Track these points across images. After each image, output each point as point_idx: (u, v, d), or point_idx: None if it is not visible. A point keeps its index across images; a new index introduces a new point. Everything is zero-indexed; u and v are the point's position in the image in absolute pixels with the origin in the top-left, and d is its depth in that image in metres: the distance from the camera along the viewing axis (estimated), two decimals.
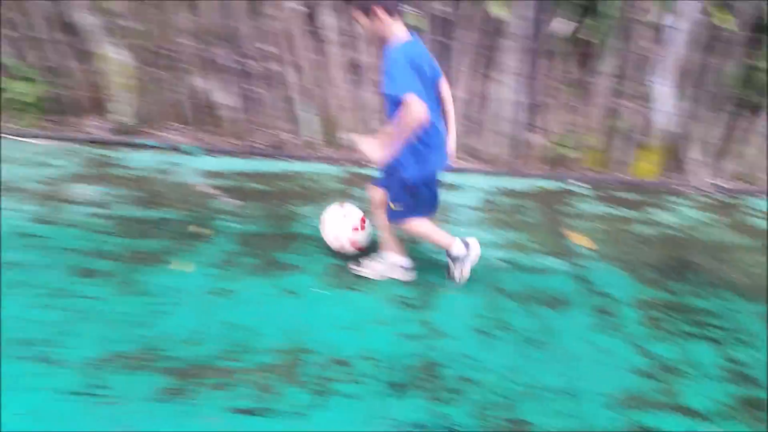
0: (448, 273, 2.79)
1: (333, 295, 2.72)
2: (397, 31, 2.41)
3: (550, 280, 2.93)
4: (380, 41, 2.48)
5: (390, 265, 2.82)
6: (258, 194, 3.50)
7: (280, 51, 3.75)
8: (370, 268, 2.84)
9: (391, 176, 2.59)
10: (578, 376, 2.34)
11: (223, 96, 3.93)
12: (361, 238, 2.87)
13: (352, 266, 2.87)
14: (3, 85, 3.89)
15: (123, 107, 3.91)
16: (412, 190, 2.58)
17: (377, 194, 2.72)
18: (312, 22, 3.72)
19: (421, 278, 2.86)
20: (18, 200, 3.28)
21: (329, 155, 3.96)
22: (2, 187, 3.37)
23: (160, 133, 3.99)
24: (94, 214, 3.20)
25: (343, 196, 3.53)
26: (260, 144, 3.99)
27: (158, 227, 3.11)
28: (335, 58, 3.78)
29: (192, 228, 3.10)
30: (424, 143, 2.50)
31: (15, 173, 3.53)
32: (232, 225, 3.18)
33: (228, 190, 3.50)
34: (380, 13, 2.36)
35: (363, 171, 3.86)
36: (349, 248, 2.87)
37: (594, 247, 3.24)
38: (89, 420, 2.07)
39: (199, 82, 3.90)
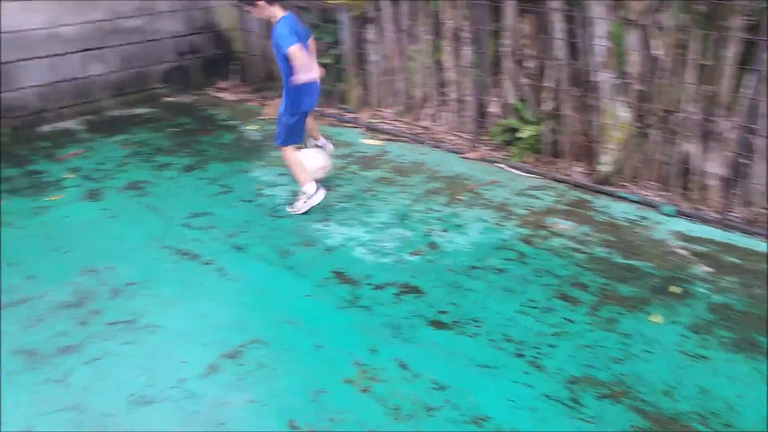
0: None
1: None
2: (277, 12, 3.57)
3: None
4: (267, 22, 3.76)
5: (308, 197, 3.86)
6: (733, 268, 3.34)
7: None
8: (301, 205, 3.89)
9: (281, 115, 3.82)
10: None
11: (711, 165, 3.88)
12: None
13: (289, 209, 3.94)
14: (515, 126, 4.62)
15: (609, 159, 4.21)
16: (295, 122, 3.78)
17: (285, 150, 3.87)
18: None
19: None
20: (506, 219, 3.84)
21: None
22: (494, 206, 3.99)
23: (637, 189, 4.16)
24: (572, 248, 3.53)
25: None
26: (737, 216, 3.80)
27: (632, 275, 3.25)
28: None
29: (671, 288, 3.14)
30: (302, 89, 3.63)
31: (507, 197, 4.13)
32: (704, 292, 3.12)
33: (700, 256, 3.44)
34: (261, 3, 3.54)
35: None
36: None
37: None
38: (559, 426, 2.30)
39: (689, 147, 3.93)
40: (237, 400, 2.41)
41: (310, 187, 3.85)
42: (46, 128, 5.45)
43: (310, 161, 3.98)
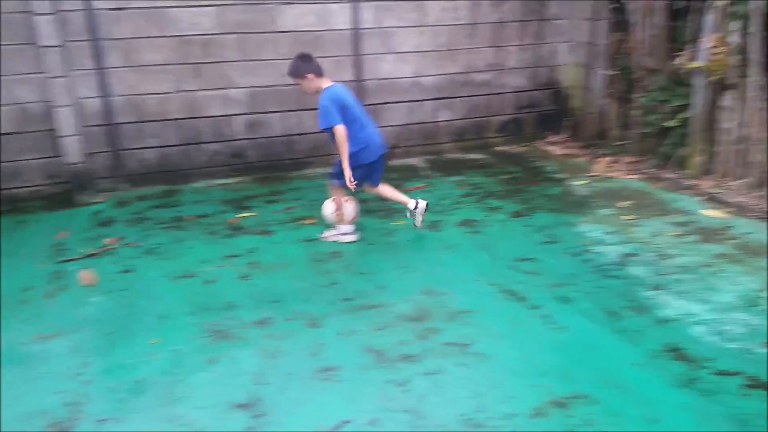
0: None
1: None
2: (323, 84, 4.11)
3: None
4: (316, 92, 4.14)
5: (339, 232, 4.40)
6: None
7: None
8: (329, 236, 4.42)
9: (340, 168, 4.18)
10: None
11: None
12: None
13: (321, 237, 4.42)
14: None
15: None
16: (356, 172, 4.14)
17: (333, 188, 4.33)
18: None
19: None
20: None
21: None
22: None
23: None
24: None
25: None
26: None
27: None
28: None
29: None
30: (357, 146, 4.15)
31: None
32: None
33: None
34: (311, 76, 4.08)
35: None
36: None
37: None
38: None
39: None
40: None
41: (346, 227, 4.39)
42: (396, 162, 6.24)
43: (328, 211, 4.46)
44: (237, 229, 4.60)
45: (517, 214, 4.81)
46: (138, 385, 2.85)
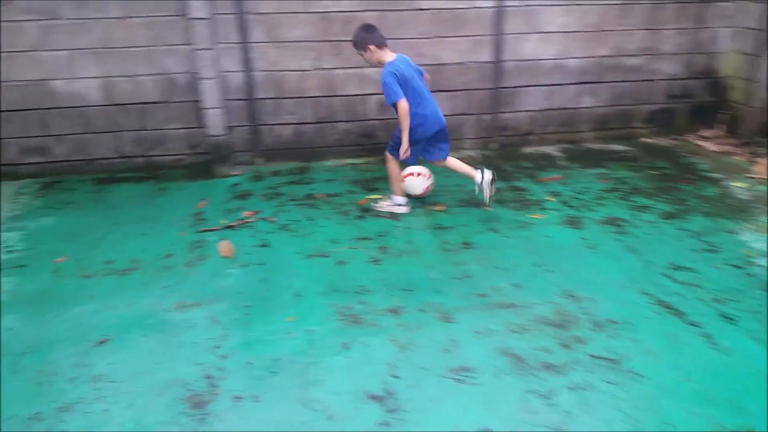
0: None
1: None
2: (385, 57, 4.15)
3: None
4: (378, 64, 4.20)
5: (394, 203, 4.50)
6: None
7: None
8: (384, 206, 4.53)
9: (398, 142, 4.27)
10: None
11: None
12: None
13: (374, 207, 4.58)
14: None
15: None
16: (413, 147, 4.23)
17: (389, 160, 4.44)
18: None
19: None
20: None
21: None
22: None
23: None
24: None
25: None
26: None
27: None
28: None
29: None
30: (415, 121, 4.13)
31: None
32: None
33: None
34: (373, 48, 4.12)
35: None
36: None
37: None
38: None
39: None
40: None
41: (401, 199, 4.49)
42: (529, 149, 5.94)
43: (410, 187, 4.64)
44: (366, 211, 4.55)
45: (670, 216, 4.39)
46: (275, 364, 2.85)
